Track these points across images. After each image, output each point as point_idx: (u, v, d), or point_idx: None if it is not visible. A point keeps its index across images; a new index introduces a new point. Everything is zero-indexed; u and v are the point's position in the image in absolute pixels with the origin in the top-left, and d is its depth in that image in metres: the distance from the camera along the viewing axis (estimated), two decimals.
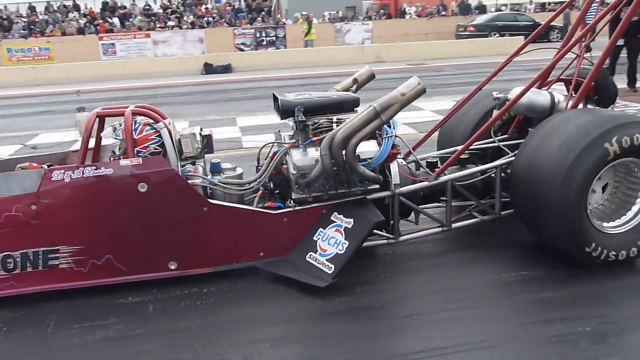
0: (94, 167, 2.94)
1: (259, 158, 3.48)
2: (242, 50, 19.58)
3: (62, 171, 2.92)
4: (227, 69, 15.88)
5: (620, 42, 8.66)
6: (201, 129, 3.34)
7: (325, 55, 16.77)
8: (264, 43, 19.97)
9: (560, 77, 3.74)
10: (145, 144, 3.08)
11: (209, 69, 15.82)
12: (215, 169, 3.30)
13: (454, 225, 3.40)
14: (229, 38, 19.75)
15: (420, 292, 2.96)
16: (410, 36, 22.56)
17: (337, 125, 3.20)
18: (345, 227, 3.08)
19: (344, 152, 2.97)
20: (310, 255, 3.09)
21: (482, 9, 25.75)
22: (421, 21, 24.33)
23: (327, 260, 3.01)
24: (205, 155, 3.42)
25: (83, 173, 2.91)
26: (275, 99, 3.33)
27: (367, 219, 3.08)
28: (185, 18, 21.82)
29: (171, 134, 3.13)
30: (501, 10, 26.27)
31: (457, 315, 2.70)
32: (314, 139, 3.18)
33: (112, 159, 3.20)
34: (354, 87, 3.91)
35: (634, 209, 3.15)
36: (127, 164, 2.95)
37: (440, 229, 3.40)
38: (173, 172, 3.02)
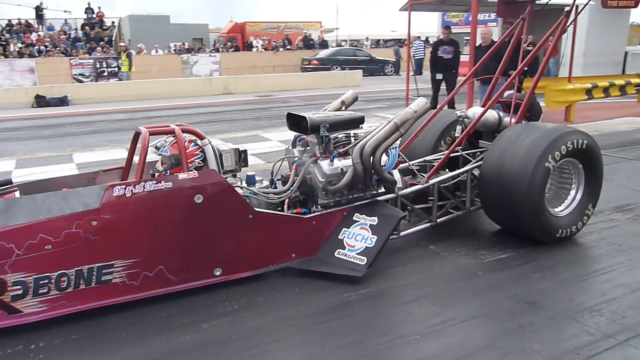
0: (155, 182, 3.03)
1: (273, 171, 3.81)
2: (80, 81, 18.31)
3: (124, 186, 2.97)
4: (62, 101, 14.69)
5: (439, 76, 9.83)
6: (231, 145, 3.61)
7: (172, 86, 16.39)
8: (105, 74, 18.91)
9: (500, 99, 4.50)
10: (191, 159, 3.29)
11: (41, 101, 14.49)
12: (251, 180, 3.58)
13: (439, 220, 3.98)
14: (65, 68, 18.38)
15: (413, 281, 3.31)
16: (258, 68, 23.11)
17: (354, 139, 3.73)
18: (371, 224, 3.47)
19: (372, 160, 3.46)
20: (338, 252, 3.43)
21: (324, 44, 27.37)
22: (268, 54, 25.06)
23: (357, 254, 3.37)
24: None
25: (144, 187, 2.98)
26: (289, 117, 3.82)
27: (393, 215, 3.54)
28: (12, 46, 19.84)
29: (214, 150, 3.38)
30: (341, 46, 28.16)
31: (442, 298, 3.07)
32: (340, 151, 3.65)
33: (156, 174, 3.31)
34: (343, 107, 4.36)
35: (570, 196, 4.01)
36: (185, 177, 3.10)
37: (429, 224, 3.95)
38: (226, 183, 3.24)
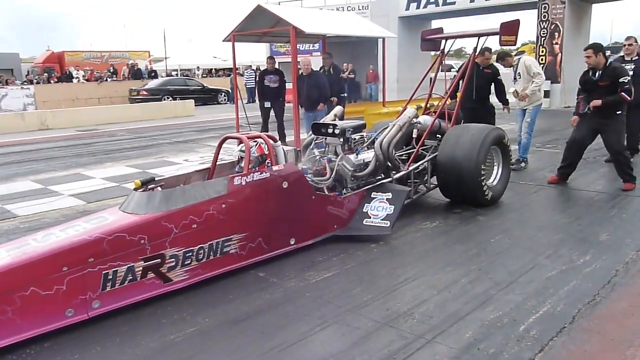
0: (259, 173, 3.92)
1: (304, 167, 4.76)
2: None
3: (239, 177, 3.82)
4: None
5: (268, 104, 10.11)
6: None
7: None
8: None
9: (441, 110, 5.83)
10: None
11: None
12: (305, 172, 4.57)
13: (414, 196, 5.36)
14: None
15: (241, 314, 3.11)
16: (81, 101, 21.51)
17: (366, 139, 5.20)
18: (387, 198, 4.66)
19: (388, 151, 4.89)
20: (365, 220, 4.60)
21: (153, 74, 26.47)
22: (91, 85, 23.47)
23: (381, 220, 4.55)
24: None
25: (252, 177, 3.87)
26: (314, 125, 5.14)
27: (402, 190, 4.81)
28: None
29: (283, 150, 4.31)
30: (172, 76, 27.48)
31: (270, 325, 3.06)
32: (364, 147, 5.09)
33: (243, 170, 4.02)
34: (336, 120, 5.54)
35: (494, 172, 5.63)
36: (277, 169, 4.06)
37: (408, 199, 5.07)
38: (301, 173, 4.32)
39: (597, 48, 5.69)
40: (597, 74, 5.74)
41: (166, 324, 3.15)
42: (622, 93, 5.57)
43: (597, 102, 5.65)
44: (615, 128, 5.85)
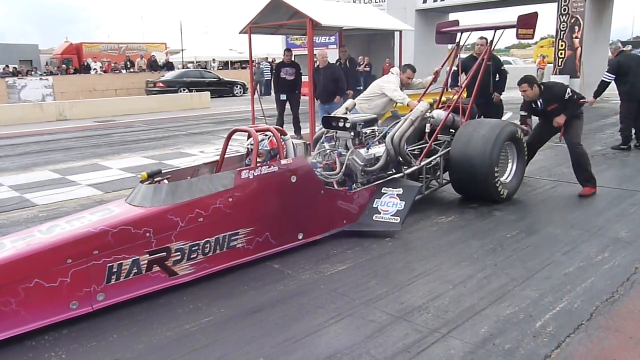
0: (267, 166, 3.87)
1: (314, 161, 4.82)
2: None
3: (247, 171, 3.77)
4: None
5: (283, 97, 10.09)
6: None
7: None
8: None
9: (455, 104, 5.71)
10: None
11: None
12: (315, 166, 4.56)
13: (426, 192, 5.26)
14: None
15: (256, 304, 3.16)
16: (98, 92, 21.70)
17: (378, 133, 5.11)
18: (397, 193, 4.59)
19: (399, 146, 4.83)
20: (375, 216, 4.53)
21: (170, 66, 26.58)
22: (108, 76, 23.64)
23: (391, 216, 4.46)
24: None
25: (261, 171, 3.82)
26: (324, 118, 5.17)
27: (414, 186, 4.72)
28: None
29: (292, 143, 4.25)
30: (188, 68, 27.56)
31: (284, 317, 2.83)
32: (374, 141, 4.99)
33: (259, 164, 3.96)
34: (347, 113, 5.52)
35: (508, 169, 5.51)
36: (286, 162, 4.00)
37: (420, 195, 5.01)
38: (310, 166, 4.27)
39: (531, 81, 5.51)
40: (539, 103, 5.60)
41: (182, 313, 3.18)
42: (576, 100, 5.49)
43: (562, 119, 5.49)
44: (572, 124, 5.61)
